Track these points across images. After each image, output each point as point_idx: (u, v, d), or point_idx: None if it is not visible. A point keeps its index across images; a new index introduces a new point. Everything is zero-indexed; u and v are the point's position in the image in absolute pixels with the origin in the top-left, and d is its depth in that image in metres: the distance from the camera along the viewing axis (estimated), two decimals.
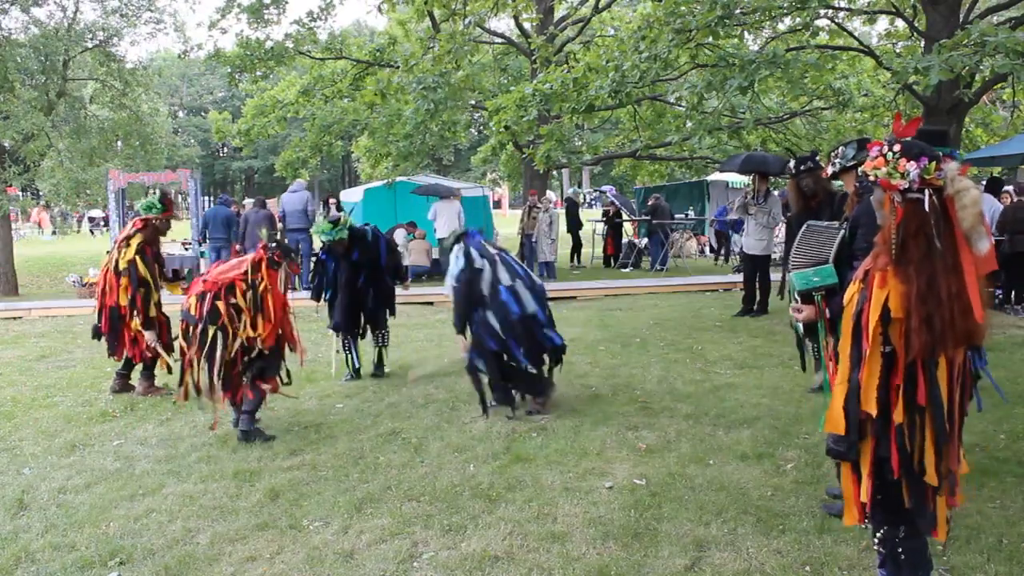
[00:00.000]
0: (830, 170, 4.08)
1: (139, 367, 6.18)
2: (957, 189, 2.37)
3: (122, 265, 5.90)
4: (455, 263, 5.35)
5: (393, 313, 6.79)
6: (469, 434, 4.97)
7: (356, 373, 6.61)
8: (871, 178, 2.48)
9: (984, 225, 2.39)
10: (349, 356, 6.61)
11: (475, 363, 5.32)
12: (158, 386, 6.19)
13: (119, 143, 15.98)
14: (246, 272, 4.82)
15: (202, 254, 13.24)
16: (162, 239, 6.35)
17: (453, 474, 4.27)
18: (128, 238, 6.02)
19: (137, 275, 5.87)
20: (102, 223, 30.22)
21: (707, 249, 18.56)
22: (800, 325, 3.78)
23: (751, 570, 3.15)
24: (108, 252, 6.40)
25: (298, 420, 5.36)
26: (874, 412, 2.46)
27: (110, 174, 13.72)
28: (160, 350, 6.04)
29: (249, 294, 4.78)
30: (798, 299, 3.58)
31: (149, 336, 5.96)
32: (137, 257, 5.91)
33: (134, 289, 5.86)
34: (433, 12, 14.52)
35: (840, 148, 4.02)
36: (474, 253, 5.33)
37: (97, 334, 6.16)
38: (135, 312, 5.89)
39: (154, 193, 6.44)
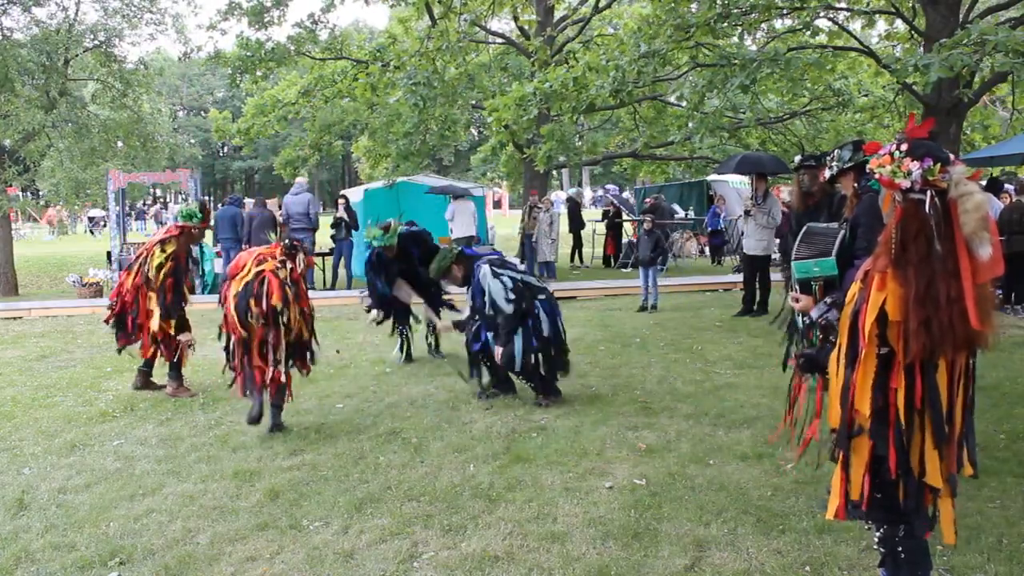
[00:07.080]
0: (827, 173, 4.08)
1: (151, 365, 6.17)
2: (960, 193, 2.32)
3: (151, 274, 5.84)
4: (496, 286, 5.39)
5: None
6: (469, 434, 4.97)
7: (409, 357, 7.13)
8: (876, 176, 2.46)
9: (991, 231, 2.32)
10: (406, 341, 7.06)
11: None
12: (187, 387, 6.16)
13: (120, 143, 15.98)
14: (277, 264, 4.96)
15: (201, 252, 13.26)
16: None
17: (453, 474, 4.27)
18: (163, 243, 5.94)
19: (165, 299, 5.83)
20: (101, 223, 30.19)
21: (706, 249, 18.57)
22: (800, 318, 3.82)
23: (751, 570, 3.15)
24: (136, 250, 6.31)
25: (298, 420, 5.35)
26: (867, 412, 2.45)
27: (110, 174, 13.74)
28: (187, 349, 6.05)
29: (289, 285, 4.90)
30: (797, 288, 3.62)
31: (185, 338, 5.99)
32: (166, 269, 5.84)
33: (162, 306, 5.82)
34: (431, 8, 14.49)
35: (836, 151, 4.02)
36: (506, 276, 5.43)
37: (118, 325, 6.08)
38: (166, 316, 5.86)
39: (189, 202, 6.42)
